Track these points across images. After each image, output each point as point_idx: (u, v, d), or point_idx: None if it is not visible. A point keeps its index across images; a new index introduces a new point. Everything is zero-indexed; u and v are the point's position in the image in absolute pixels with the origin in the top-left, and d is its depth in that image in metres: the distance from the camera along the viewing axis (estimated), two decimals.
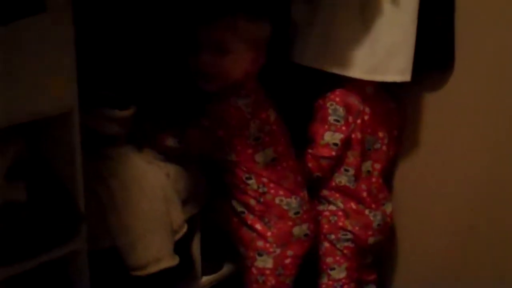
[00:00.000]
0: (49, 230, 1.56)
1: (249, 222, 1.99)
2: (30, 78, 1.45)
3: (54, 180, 1.62)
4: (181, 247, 1.90)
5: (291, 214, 1.96)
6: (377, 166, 2.13)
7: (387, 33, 1.88)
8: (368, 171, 2.12)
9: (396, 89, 2.08)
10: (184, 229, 1.87)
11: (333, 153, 2.03)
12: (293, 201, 1.96)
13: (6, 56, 1.39)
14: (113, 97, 1.79)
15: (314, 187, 2.14)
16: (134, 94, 1.86)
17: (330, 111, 2.03)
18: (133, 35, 1.87)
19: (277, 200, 1.94)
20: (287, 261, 1.99)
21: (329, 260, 2.14)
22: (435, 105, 2.10)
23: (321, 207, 2.15)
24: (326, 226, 2.13)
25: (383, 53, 1.90)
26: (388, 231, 2.21)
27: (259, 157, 1.91)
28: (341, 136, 2.02)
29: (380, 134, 2.11)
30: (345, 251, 2.12)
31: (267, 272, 1.99)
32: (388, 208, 2.18)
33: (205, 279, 2.12)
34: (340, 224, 2.12)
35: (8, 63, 1.40)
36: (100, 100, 1.76)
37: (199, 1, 1.91)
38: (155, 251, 1.74)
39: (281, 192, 1.94)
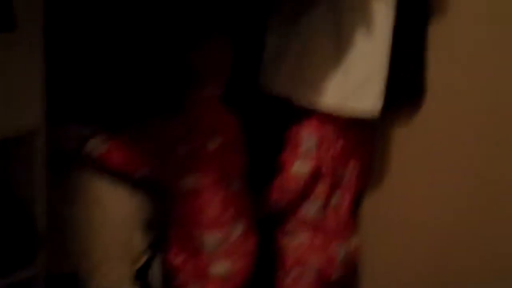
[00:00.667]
0: (6, 254, 1.51)
1: (171, 255, 1.91)
2: None
3: (14, 200, 1.57)
4: (141, 273, 1.86)
5: (207, 250, 1.87)
6: (347, 197, 2.09)
7: (360, 63, 1.87)
8: (337, 203, 2.07)
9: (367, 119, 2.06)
10: (145, 257, 1.82)
11: (301, 183, 1.98)
12: (209, 238, 1.87)
13: None
14: (79, 114, 1.74)
15: (279, 219, 2.08)
16: (100, 111, 1.82)
17: (303, 140, 1.98)
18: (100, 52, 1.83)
19: (192, 235, 1.87)
20: None
21: None
22: (405, 136, 2.08)
23: (285, 240, 2.08)
24: (290, 260, 2.06)
25: (356, 83, 1.88)
26: (353, 266, 2.16)
27: (182, 182, 1.84)
28: (311, 166, 1.97)
29: (351, 164, 2.07)
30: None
31: None
32: (354, 242, 2.14)
33: None
34: (305, 258, 2.05)
35: None
36: (66, 117, 1.72)
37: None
38: (114, 278, 1.70)
39: (196, 227, 1.87)
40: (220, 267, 1.89)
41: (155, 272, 1.97)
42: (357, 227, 2.20)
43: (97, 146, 1.79)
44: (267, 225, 2.10)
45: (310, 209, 2.04)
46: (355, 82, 1.88)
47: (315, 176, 2.00)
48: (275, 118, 2.16)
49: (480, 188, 1.93)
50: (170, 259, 1.92)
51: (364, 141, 2.12)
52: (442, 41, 1.94)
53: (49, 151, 1.56)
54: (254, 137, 2.07)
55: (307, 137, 1.98)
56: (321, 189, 2.02)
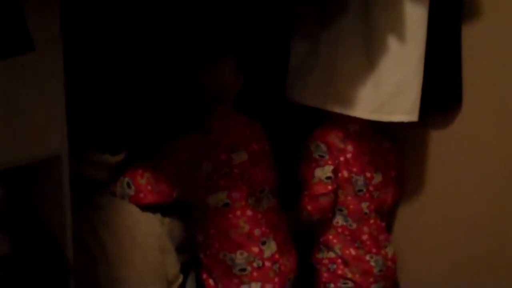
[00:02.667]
0: (35, 284, 1.45)
1: (204, 277, 1.85)
2: (15, 121, 1.33)
3: (41, 230, 1.50)
4: None
5: (235, 271, 1.79)
6: (371, 207, 2.03)
7: (393, 70, 1.78)
8: (365, 213, 2.02)
9: (394, 128, 1.99)
10: (180, 279, 1.77)
11: (330, 187, 1.94)
12: (238, 257, 1.79)
13: None
14: (102, 140, 1.69)
15: (313, 234, 2.05)
16: (123, 137, 1.76)
17: (312, 148, 1.96)
18: (122, 78, 1.79)
19: (221, 255, 1.80)
20: None
21: None
22: (439, 146, 2.02)
23: (319, 255, 2.05)
24: (325, 274, 2.03)
25: (389, 91, 1.80)
26: (392, 276, 2.11)
27: (210, 200, 1.77)
28: (331, 167, 1.94)
29: (368, 174, 2.01)
30: None
31: None
32: (390, 251, 2.08)
33: None
34: (340, 272, 2.01)
35: None
36: (89, 144, 1.66)
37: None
38: None
39: (224, 246, 1.79)
40: None
41: None
42: (391, 238, 2.14)
43: (124, 191, 1.75)
44: (301, 241, 2.05)
45: (338, 218, 2.00)
46: (389, 90, 1.80)
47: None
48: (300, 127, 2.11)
49: None
50: (202, 281, 1.86)
51: (387, 151, 2.08)
52: (479, 43, 1.86)
53: (75, 179, 1.50)
54: (283, 148, 2.02)
55: (316, 144, 1.96)
56: (342, 197, 1.99)
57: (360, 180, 1.99)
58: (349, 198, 1.99)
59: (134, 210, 1.70)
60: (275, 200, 1.89)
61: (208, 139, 1.77)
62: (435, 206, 2.08)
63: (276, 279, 1.83)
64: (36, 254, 1.47)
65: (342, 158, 1.96)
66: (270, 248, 1.83)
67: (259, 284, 1.81)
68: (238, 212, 1.79)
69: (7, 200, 1.51)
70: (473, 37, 1.86)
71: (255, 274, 1.80)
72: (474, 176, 1.95)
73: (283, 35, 1.97)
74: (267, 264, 1.82)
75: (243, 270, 1.80)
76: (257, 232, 1.81)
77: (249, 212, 1.80)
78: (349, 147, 1.97)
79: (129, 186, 1.74)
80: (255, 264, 1.80)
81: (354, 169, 1.98)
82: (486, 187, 1.93)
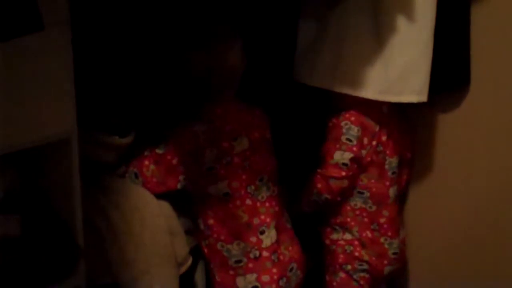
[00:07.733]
0: (45, 266, 1.46)
1: (210, 267, 1.85)
2: (26, 103, 1.34)
3: (51, 212, 1.52)
4: (185, 277, 1.80)
5: (231, 262, 1.78)
6: (397, 191, 2.03)
7: (402, 51, 1.77)
8: (390, 197, 2.01)
9: (408, 109, 1.99)
10: (189, 262, 1.77)
11: (343, 174, 1.92)
12: (234, 248, 1.78)
13: (2, 80, 1.29)
14: (111, 123, 1.69)
15: (327, 214, 2.04)
16: (132, 119, 1.77)
17: (344, 130, 1.92)
18: (130, 61, 1.79)
19: (218, 245, 1.79)
20: None
21: None
22: (448, 127, 2.01)
23: (335, 236, 2.04)
24: (341, 256, 2.03)
25: (398, 72, 1.79)
26: (404, 258, 2.11)
27: (211, 189, 1.75)
28: (351, 155, 1.91)
29: (396, 157, 2.00)
30: (361, 282, 2.02)
31: None
32: (402, 234, 2.09)
33: None
34: (356, 254, 2.01)
35: (5, 88, 1.30)
36: (98, 126, 1.67)
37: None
38: (159, 287, 1.64)
39: (222, 237, 1.78)
40: (246, 281, 1.80)
41: (199, 277, 1.93)
42: (404, 221, 2.13)
43: (132, 181, 1.75)
44: (315, 221, 2.07)
45: (356, 200, 1.99)
46: (398, 71, 1.79)
47: (359, 166, 1.94)
48: (309, 109, 2.11)
49: None
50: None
51: (406, 132, 2.06)
52: (487, 24, 1.84)
53: (84, 161, 1.51)
54: (290, 130, 2.01)
55: (348, 126, 1.92)
56: (365, 181, 1.97)
57: (394, 162, 1.98)
58: (373, 181, 1.97)
59: (143, 191, 1.71)
60: (275, 188, 1.87)
61: (211, 127, 1.76)
62: (443, 188, 2.08)
63: (274, 270, 1.81)
64: (46, 236, 1.48)
65: (374, 142, 1.94)
66: (270, 237, 1.81)
67: (254, 276, 1.79)
68: (238, 202, 1.78)
69: (18, 183, 1.52)
70: (481, 18, 1.85)
71: (250, 265, 1.79)
72: (482, 157, 1.95)
73: (291, 16, 1.96)
74: (265, 254, 1.80)
75: (239, 261, 1.79)
76: (255, 221, 1.80)
77: (248, 201, 1.79)
78: (384, 130, 1.96)
79: (136, 176, 1.75)
80: (251, 255, 1.79)
81: (387, 152, 1.97)
82: (495, 169, 1.92)
